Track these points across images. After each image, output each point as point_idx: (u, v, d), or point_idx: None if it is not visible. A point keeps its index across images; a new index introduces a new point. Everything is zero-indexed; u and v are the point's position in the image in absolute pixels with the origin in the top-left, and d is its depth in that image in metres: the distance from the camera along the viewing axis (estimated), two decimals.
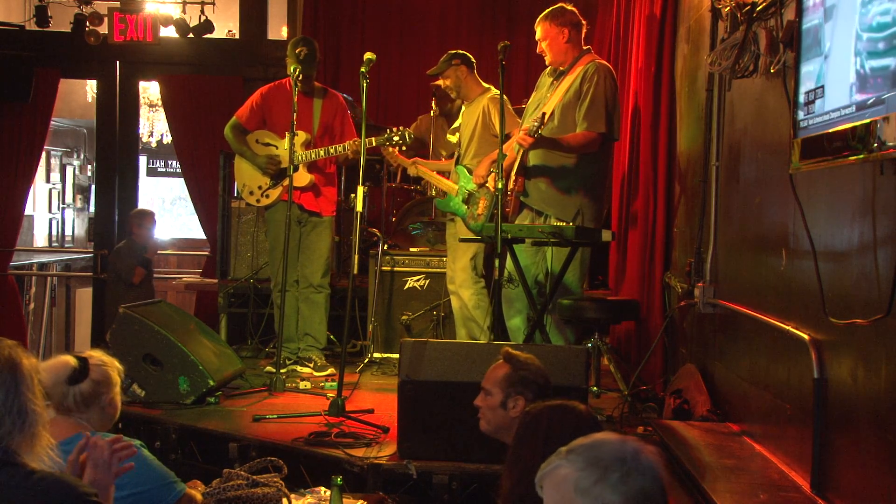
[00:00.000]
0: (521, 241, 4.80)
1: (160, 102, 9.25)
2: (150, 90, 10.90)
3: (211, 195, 7.75)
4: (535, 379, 3.03)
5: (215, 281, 7.11)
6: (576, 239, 4.56)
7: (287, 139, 5.53)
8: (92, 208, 12.54)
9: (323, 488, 3.31)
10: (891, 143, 2.18)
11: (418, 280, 6.21)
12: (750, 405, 3.71)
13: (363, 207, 4.75)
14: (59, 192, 13.46)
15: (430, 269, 6.21)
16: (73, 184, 13.88)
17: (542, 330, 4.75)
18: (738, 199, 4.06)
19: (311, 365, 5.67)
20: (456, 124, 5.91)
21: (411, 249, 6.44)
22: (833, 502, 2.81)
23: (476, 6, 8.07)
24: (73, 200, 13.86)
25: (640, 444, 1.71)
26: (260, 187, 5.72)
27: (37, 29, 7.96)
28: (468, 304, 5.51)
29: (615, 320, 5.53)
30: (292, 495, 3.23)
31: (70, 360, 2.84)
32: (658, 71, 5.37)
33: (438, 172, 5.77)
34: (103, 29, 7.79)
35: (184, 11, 8.09)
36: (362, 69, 4.78)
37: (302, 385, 5.24)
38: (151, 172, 14.43)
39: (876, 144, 2.25)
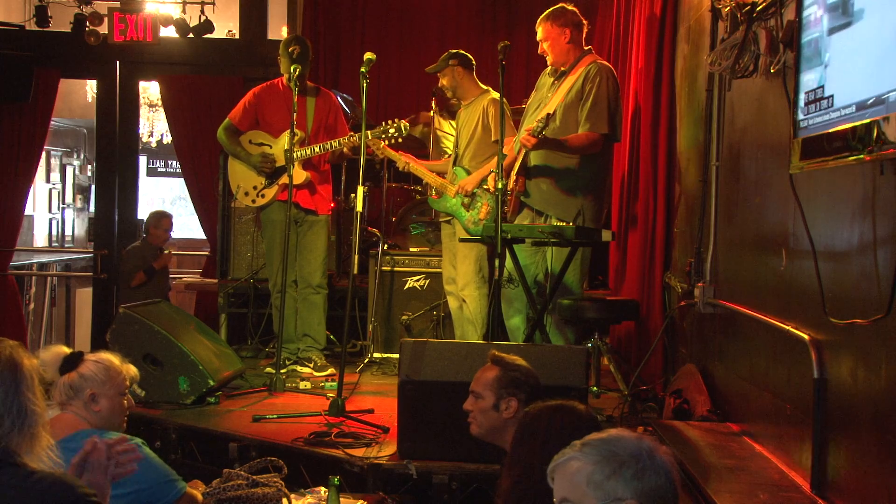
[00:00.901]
0: (521, 241, 4.79)
1: (160, 102, 9.24)
2: (150, 90, 10.89)
3: (211, 195, 7.74)
4: (526, 380, 3.03)
5: (215, 281, 7.11)
6: (576, 239, 4.56)
7: (281, 138, 5.54)
8: (92, 208, 12.54)
9: (323, 488, 3.31)
10: (891, 143, 2.18)
11: (418, 280, 6.21)
12: (750, 405, 3.71)
13: (363, 207, 4.75)
14: (59, 192, 13.45)
15: (430, 269, 6.21)
16: (73, 184, 13.88)
17: (542, 330, 4.75)
18: (738, 199, 4.06)
19: (311, 365, 5.67)
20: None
21: (411, 249, 6.44)
22: (833, 502, 2.81)
23: (476, 6, 8.06)
24: (73, 200, 13.86)
25: (656, 443, 1.71)
26: (255, 187, 5.72)
27: (37, 29, 7.95)
28: (471, 306, 5.50)
29: (615, 320, 5.53)
30: (292, 495, 3.23)
31: (65, 349, 2.89)
32: (658, 71, 5.37)
33: (439, 173, 5.75)
34: (103, 29, 7.78)
35: (184, 11, 8.09)
36: (362, 69, 4.78)
37: (302, 385, 5.24)
38: (151, 172, 14.44)
39: (876, 144, 2.24)
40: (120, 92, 8.49)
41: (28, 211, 10.04)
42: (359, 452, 3.85)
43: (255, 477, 3.23)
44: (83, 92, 11.40)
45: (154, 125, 12.08)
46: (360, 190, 4.72)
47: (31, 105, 8.03)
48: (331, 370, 5.59)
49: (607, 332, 5.67)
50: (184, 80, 8.22)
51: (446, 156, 6.36)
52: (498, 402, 2.99)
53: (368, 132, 4.99)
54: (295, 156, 5.39)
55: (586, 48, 5.04)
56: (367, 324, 6.14)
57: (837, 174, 2.85)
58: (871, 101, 2.30)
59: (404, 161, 5.75)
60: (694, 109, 4.80)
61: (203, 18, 7.92)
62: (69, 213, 13.81)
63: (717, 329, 4.26)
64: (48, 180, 13.01)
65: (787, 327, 3.20)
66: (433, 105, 6.70)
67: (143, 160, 12.87)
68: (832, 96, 2.56)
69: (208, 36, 7.97)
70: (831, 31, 2.59)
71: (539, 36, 5.00)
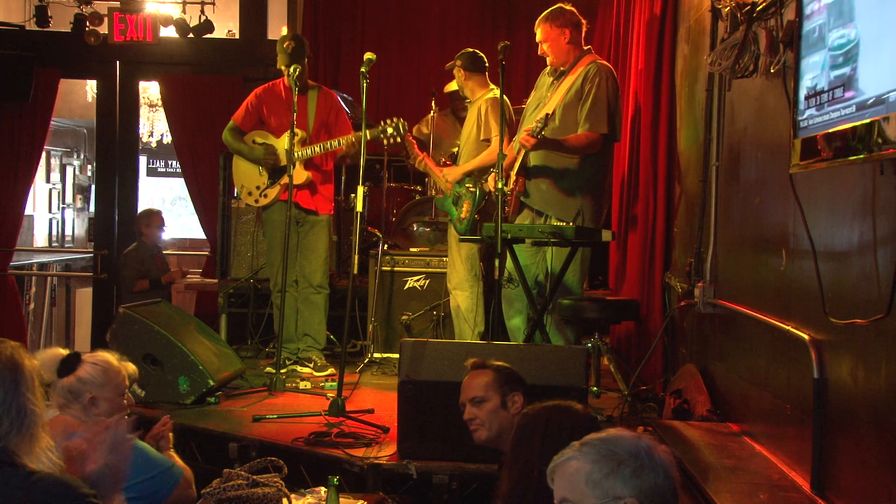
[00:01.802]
0: (521, 241, 4.80)
1: (160, 102, 9.24)
2: (150, 90, 10.89)
3: (211, 195, 7.75)
4: (517, 375, 3.14)
5: (215, 281, 7.11)
6: (576, 239, 4.56)
7: (282, 138, 5.54)
8: (92, 208, 12.53)
9: (323, 488, 3.30)
10: (891, 143, 2.18)
11: (418, 280, 6.21)
12: (750, 405, 3.71)
13: (363, 207, 4.74)
14: (59, 192, 13.44)
15: (430, 269, 6.20)
16: (73, 184, 13.87)
17: (542, 330, 4.75)
18: (738, 199, 4.06)
19: (311, 365, 5.67)
20: None
21: (411, 249, 6.44)
22: (833, 502, 2.81)
23: (476, 6, 8.07)
24: (73, 200, 13.85)
25: (655, 442, 1.71)
26: (258, 187, 5.73)
27: (37, 29, 7.95)
28: (463, 305, 5.52)
29: (615, 320, 5.53)
30: (292, 495, 3.23)
31: (62, 351, 2.88)
32: (658, 71, 5.37)
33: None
34: (103, 29, 7.79)
35: (184, 11, 8.09)
36: (362, 69, 4.77)
37: (302, 385, 5.24)
38: (151, 172, 14.42)
39: (876, 144, 2.24)
40: (120, 92, 8.49)
41: (28, 211, 10.04)
42: (359, 452, 3.85)
43: (255, 477, 3.23)
44: (83, 92, 11.40)
45: (154, 125, 12.08)
46: (360, 190, 4.72)
47: (31, 105, 8.03)
48: (331, 370, 5.59)
49: (607, 332, 5.67)
50: (184, 80, 8.22)
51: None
52: (504, 400, 3.06)
53: (367, 132, 4.97)
54: (295, 156, 5.40)
55: (585, 48, 5.04)
56: (367, 324, 6.14)
57: (837, 174, 2.85)
58: (871, 101, 2.30)
59: (422, 164, 5.74)
60: (694, 109, 4.80)
61: (203, 18, 7.92)
62: (69, 213, 13.81)
63: (717, 329, 4.26)
64: (48, 180, 13.00)
65: (787, 327, 3.20)
66: (433, 105, 6.70)
67: (143, 160, 12.86)
68: (832, 95, 2.56)
69: (208, 36, 7.98)
70: (832, 30, 2.59)
71: (538, 37, 5.00)
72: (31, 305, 9.77)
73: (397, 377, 3.79)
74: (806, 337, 3.02)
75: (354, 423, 4.25)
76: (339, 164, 5.93)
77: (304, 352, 5.77)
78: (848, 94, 2.43)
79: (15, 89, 7.84)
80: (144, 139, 11.76)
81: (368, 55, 4.84)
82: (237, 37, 8.51)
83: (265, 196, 5.71)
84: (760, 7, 3.53)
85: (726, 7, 3.92)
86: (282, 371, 5.24)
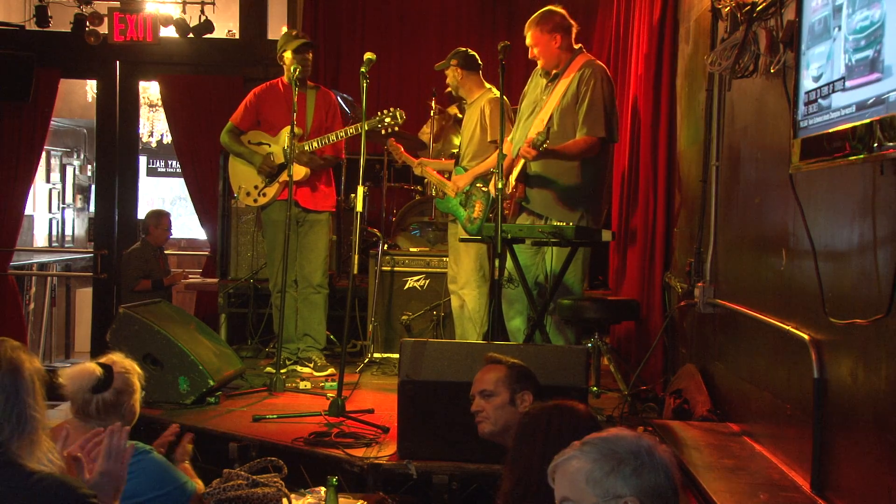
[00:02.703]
0: (521, 242, 4.79)
1: (160, 102, 9.25)
2: (150, 90, 10.90)
3: (211, 195, 7.75)
4: (531, 374, 3.14)
5: (215, 281, 7.11)
6: (576, 239, 4.55)
7: (280, 137, 5.54)
8: (92, 208, 12.53)
9: (323, 488, 3.30)
10: (891, 144, 2.18)
11: (418, 280, 6.21)
12: (750, 405, 3.71)
13: (363, 207, 4.74)
14: (59, 192, 13.44)
15: (430, 269, 6.20)
16: (73, 184, 13.87)
17: (542, 330, 4.75)
18: (738, 199, 4.06)
19: (311, 365, 5.67)
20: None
21: (411, 249, 6.43)
22: (833, 502, 2.81)
23: (476, 6, 8.06)
24: (73, 200, 13.85)
25: (655, 441, 1.71)
26: (256, 187, 5.72)
27: (37, 29, 7.95)
28: (470, 305, 5.50)
29: (615, 320, 5.53)
30: (292, 495, 3.23)
31: (95, 369, 2.85)
32: (658, 71, 5.37)
33: (440, 172, 5.76)
34: (103, 29, 7.79)
35: (184, 11, 8.09)
36: (362, 69, 4.77)
37: (302, 385, 5.24)
38: (151, 172, 14.42)
39: (876, 144, 2.24)
40: (120, 92, 8.50)
41: (28, 211, 10.05)
42: (359, 452, 3.85)
43: (255, 477, 3.23)
44: (83, 92, 11.41)
45: (154, 125, 12.08)
46: (360, 190, 4.72)
47: (31, 105, 8.03)
48: (331, 370, 5.59)
49: (607, 332, 5.67)
50: (184, 80, 8.22)
51: (445, 157, 6.37)
52: (513, 397, 3.07)
53: (364, 123, 4.93)
54: (296, 149, 5.38)
55: (576, 47, 4.99)
56: (367, 324, 6.14)
57: (837, 174, 2.85)
58: (871, 101, 2.30)
59: (420, 168, 5.77)
60: (694, 110, 4.80)
61: (203, 18, 7.92)
62: (69, 213, 13.81)
63: (717, 329, 4.26)
64: (48, 180, 13.00)
65: (787, 327, 3.20)
66: (433, 105, 6.70)
67: (143, 160, 12.86)
68: (831, 95, 2.56)
69: (208, 36, 7.98)
70: (854, 12, 2.55)
71: (528, 41, 4.93)
72: (31, 305, 9.77)
73: (397, 377, 3.79)
74: (806, 337, 3.02)
75: (354, 423, 4.25)
76: (315, 170, 5.76)
77: (304, 352, 5.77)
78: (873, 76, 2.32)
79: (15, 89, 7.84)
80: (144, 139, 11.77)
81: (368, 55, 4.83)
82: (237, 37, 8.51)
83: (264, 195, 5.71)
84: (760, 7, 3.53)
85: (726, 7, 3.92)
86: (282, 371, 5.24)
